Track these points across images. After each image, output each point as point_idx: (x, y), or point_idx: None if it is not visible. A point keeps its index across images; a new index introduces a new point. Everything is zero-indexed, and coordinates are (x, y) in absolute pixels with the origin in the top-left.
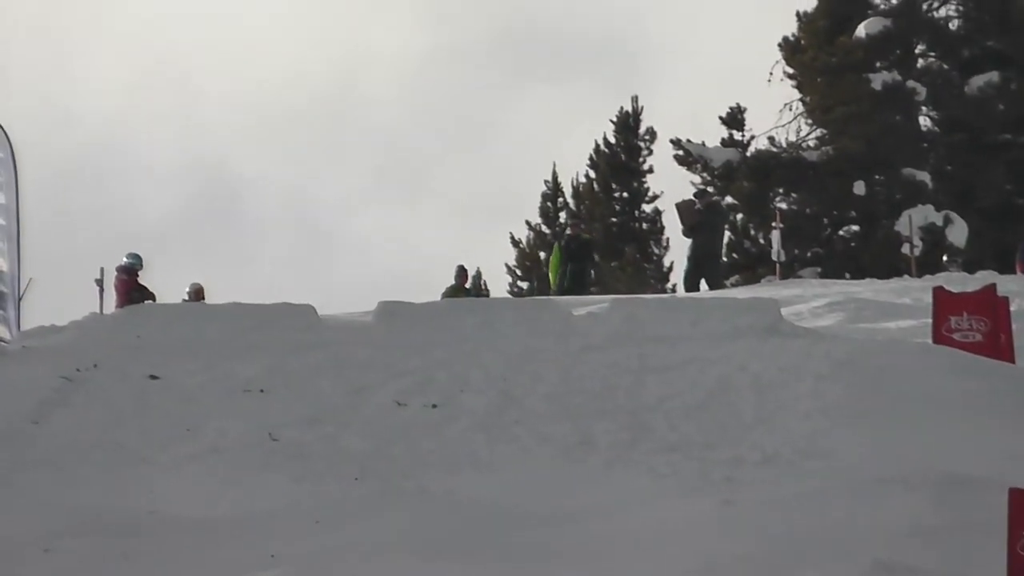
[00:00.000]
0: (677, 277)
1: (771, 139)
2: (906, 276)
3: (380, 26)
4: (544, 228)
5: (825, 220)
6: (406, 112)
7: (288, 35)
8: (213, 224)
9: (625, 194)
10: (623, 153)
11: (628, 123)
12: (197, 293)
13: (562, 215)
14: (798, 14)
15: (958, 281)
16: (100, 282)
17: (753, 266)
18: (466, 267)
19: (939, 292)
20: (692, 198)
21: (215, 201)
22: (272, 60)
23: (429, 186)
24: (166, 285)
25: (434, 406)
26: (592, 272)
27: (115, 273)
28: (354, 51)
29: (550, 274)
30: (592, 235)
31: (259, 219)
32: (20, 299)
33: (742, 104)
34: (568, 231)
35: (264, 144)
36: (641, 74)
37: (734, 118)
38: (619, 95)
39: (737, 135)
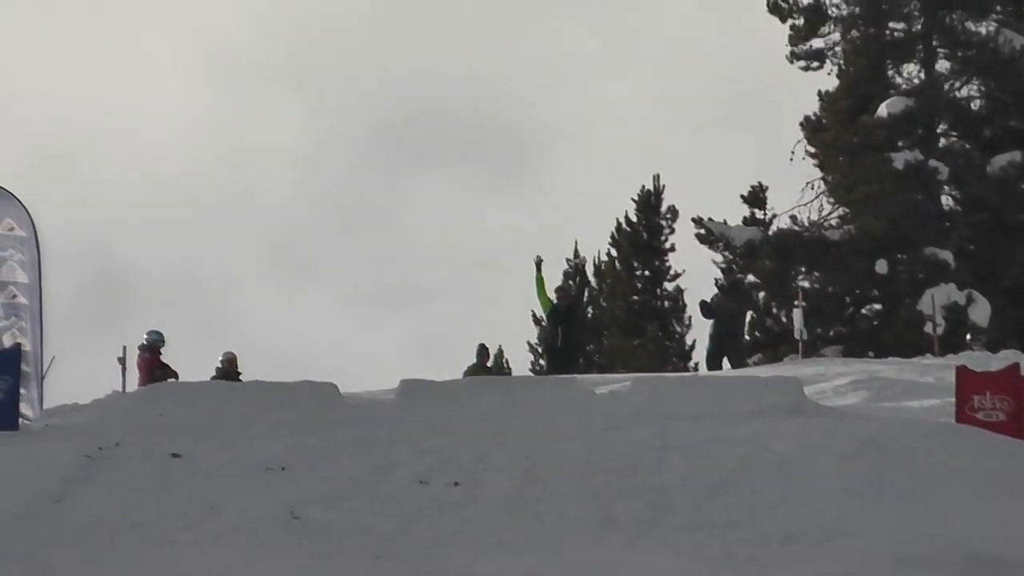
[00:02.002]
0: (699, 355)
1: (793, 218)
2: (929, 355)
3: (268, 114)
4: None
5: (847, 299)
6: (294, 199)
7: (177, 121)
8: (103, 310)
9: (647, 272)
10: (645, 232)
11: (650, 201)
12: (230, 362)
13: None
14: (820, 93)
15: (981, 360)
16: (123, 360)
17: (775, 344)
18: (487, 346)
19: (962, 371)
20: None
21: (104, 287)
22: (161, 147)
23: (317, 271)
24: (69, 374)
25: (456, 484)
26: (582, 335)
27: (137, 351)
28: (242, 140)
29: (539, 299)
30: (572, 300)
31: (147, 305)
32: (43, 377)
33: (764, 183)
34: (555, 299)
35: (153, 231)
36: (527, 157)
37: (756, 197)
38: (508, 178)
39: (759, 214)
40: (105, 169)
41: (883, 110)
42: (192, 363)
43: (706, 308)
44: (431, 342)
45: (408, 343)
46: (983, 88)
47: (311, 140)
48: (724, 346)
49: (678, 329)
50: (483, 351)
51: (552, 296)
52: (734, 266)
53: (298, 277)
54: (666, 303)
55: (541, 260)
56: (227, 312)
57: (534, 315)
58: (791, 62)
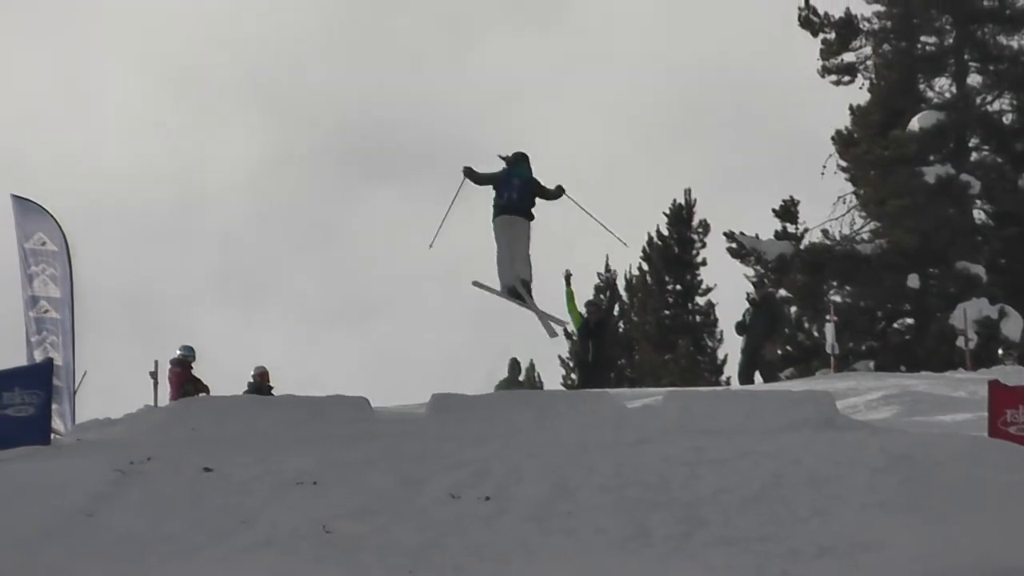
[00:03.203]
0: (731, 370)
1: (825, 232)
2: (961, 369)
3: (223, 130)
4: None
5: (879, 313)
6: (248, 216)
7: (131, 136)
8: None
9: (678, 286)
10: (676, 246)
11: (681, 216)
12: (262, 376)
13: (616, 307)
14: (851, 107)
15: (1013, 374)
16: (154, 375)
17: (807, 359)
18: (519, 360)
19: (995, 385)
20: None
21: None
22: (115, 162)
23: (270, 287)
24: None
25: (487, 498)
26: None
27: (169, 366)
28: (196, 156)
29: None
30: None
31: (99, 321)
32: (75, 392)
33: (795, 196)
34: (585, 313)
35: (105, 248)
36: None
37: (787, 211)
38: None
39: (791, 228)
40: (58, 183)
41: (915, 124)
42: (140, 377)
43: (740, 326)
44: (384, 358)
45: (361, 359)
46: (1015, 102)
47: (266, 156)
48: (756, 360)
49: (709, 344)
50: (515, 365)
51: (582, 310)
52: (766, 280)
53: (251, 292)
54: (697, 317)
55: (570, 274)
56: (178, 328)
57: (565, 330)
58: (822, 76)
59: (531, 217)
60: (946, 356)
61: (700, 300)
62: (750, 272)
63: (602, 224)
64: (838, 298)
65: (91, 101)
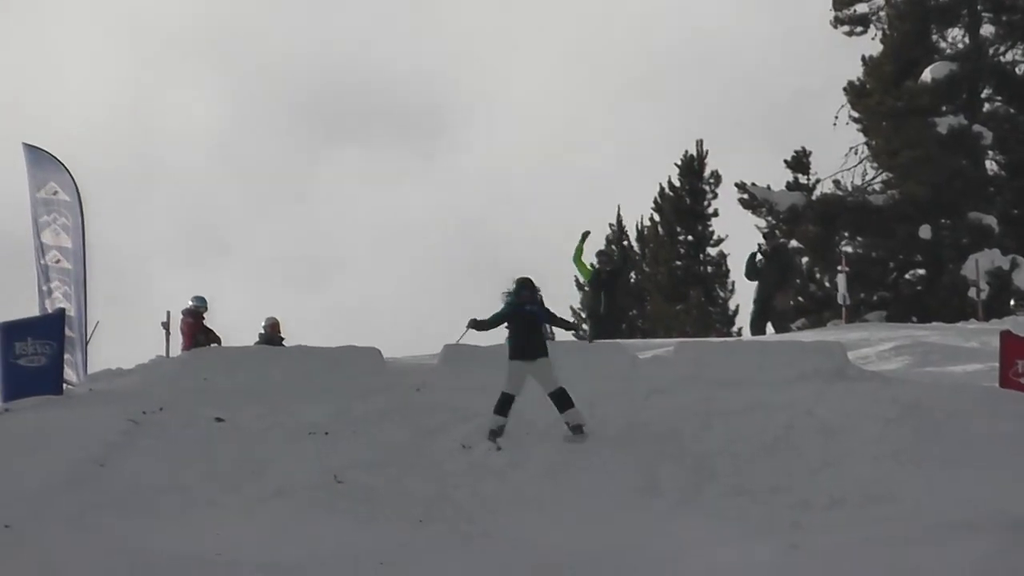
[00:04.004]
0: (742, 320)
1: (836, 183)
2: (973, 320)
3: (182, 90)
4: (608, 270)
5: (891, 264)
6: (207, 175)
7: (89, 96)
8: (10, 286)
9: (690, 237)
10: (688, 197)
11: (693, 167)
12: (273, 327)
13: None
14: (864, 58)
15: None
16: (166, 325)
17: (819, 310)
18: None
19: (1006, 336)
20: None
21: (11, 264)
22: (72, 122)
23: (231, 247)
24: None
25: (499, 449)
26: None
27: (181, 316)
28: (155, 116)
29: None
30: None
31: (30, 283)
32: (87, 342)
33: (807, 147)
34: (597, 265)
35: None
36: (447, 130)
37: (799, 161)
38: (424, 153)
39: (802, 178)
40: (13, 143)
41: (927, 75)
42: (106, 341)
43: (750, 269)
44: (347, 317)
45: (323, 318)
46: None
47: (226, 116)
48: (768, 311)
49: (721, 294)
50: None
51: (594, 261)
52: (777, 231)
53: (211, 252)
54: (709, 268)
55: (588, 233)
56: (139, 288)
57: (576, 280)
58: (835, 27)
59: (547, 352)
60: (958, 307)
61: (711, 251)
62: (761, 223)
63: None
64: (850, 249)
65: (47, 61)
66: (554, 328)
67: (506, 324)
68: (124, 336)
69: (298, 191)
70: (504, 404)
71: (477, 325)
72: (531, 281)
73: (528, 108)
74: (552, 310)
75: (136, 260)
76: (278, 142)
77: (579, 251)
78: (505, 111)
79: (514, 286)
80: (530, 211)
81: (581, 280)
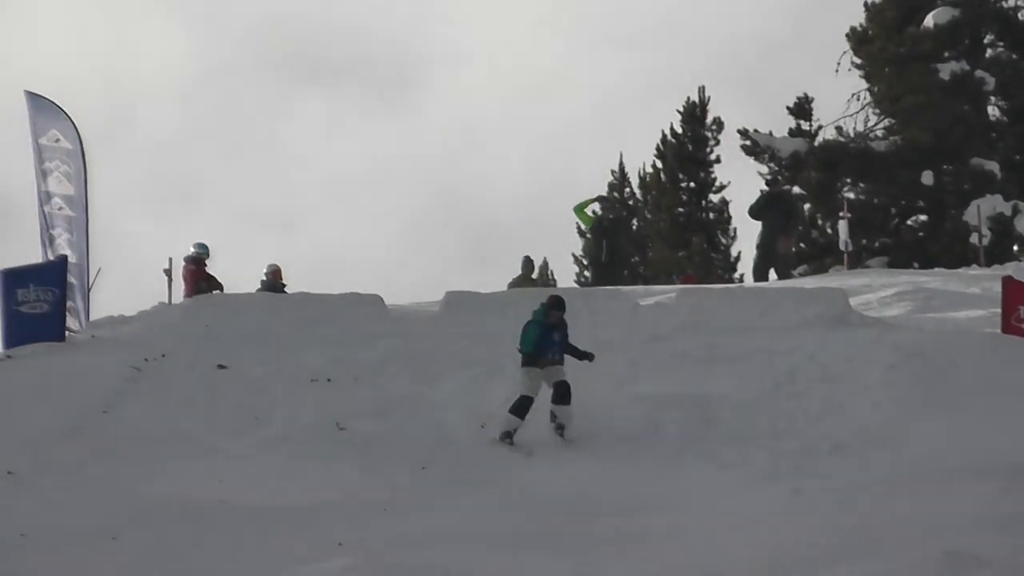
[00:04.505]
0: (744, 267)
1: (839, 129)
2: (974, 266)
3: (148, 40)
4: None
5: (893, 210)
6: (175, 122)
7: (56, 46)
8: (12, 235)
9: (692, 184)
10: (690, 143)
11: (695, 113)
12: (275, 274)
13: (629, 203)
14: (866, 4)
15: None
16: (168, 272)
17: (821, 256)
18: (532, 257)
19: (1008, 282)
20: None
21: (14, 212)
22: (40, 72)
23: (199, 196)
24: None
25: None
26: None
27: (183, 263)
28: (122, 66)
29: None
30: (623, 213)
31: (32, 230)
32: (89, 289)
33: (809, 94)
34: (599, 211)
35: (31, 158)
36: (411, 78)
37: (801, 108)
38: (389, 100)
39: (804, 125)
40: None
41: (929, 20)
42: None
43: (755, 208)
44: (317, 265)
45: (292, 265)
46: None
47: (193, 64)
48: (771, 257)
49: (723, 241)
50: (528, 263)
51: (596, 208)
52: (780, 177)
53: (180, 202)
54: (711, 215)
55: (602, 197)
56: (109, 237)
57: (578, 227)
58: None
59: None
60: (960, 253)
61: (714, 197)
62: (764, 169)
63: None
64: (852, 195)
65: (13, 10)
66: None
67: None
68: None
69: (265, 139)
70: (522, 406)
71: (532, 361)
72: (562, 301)
73: (503, 56)
74: (573, 343)
75: (104, 209)
76: (245, 91)
77: (583, 203)
78: (478, 58)
79: (544, 305)
80: (501, 158)
81: (583, 227)
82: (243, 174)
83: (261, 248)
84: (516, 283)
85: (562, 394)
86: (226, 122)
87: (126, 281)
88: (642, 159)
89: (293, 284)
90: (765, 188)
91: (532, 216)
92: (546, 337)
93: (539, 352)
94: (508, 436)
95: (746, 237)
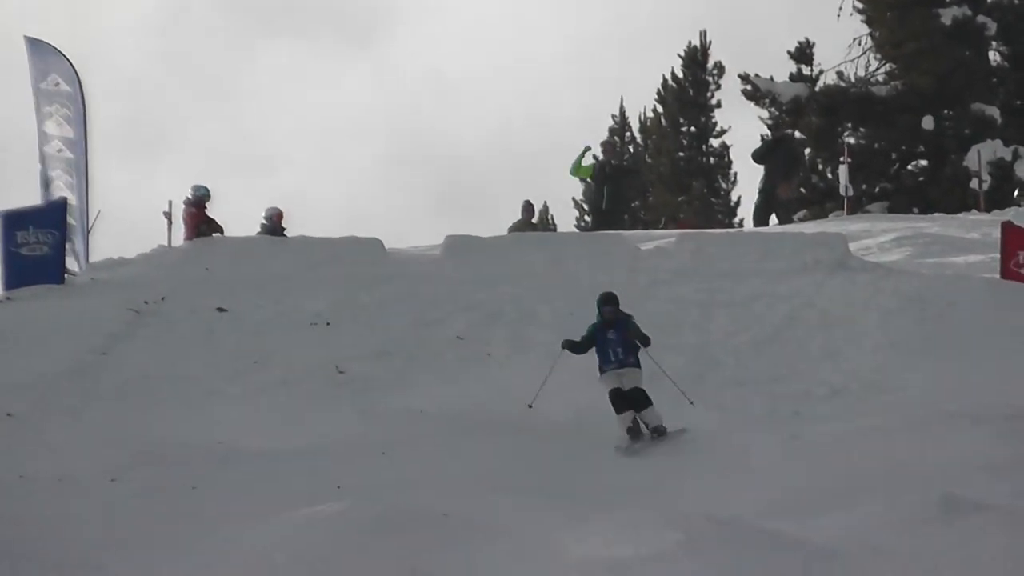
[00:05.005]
0: (744, 211)
1: (840, 74)
2: (974, 211)
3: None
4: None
5: (893, 155)
6: (145, 68)
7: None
8: (11, 179)
9: (692, 128)
10: (691, 88)
11: (696, 58)
12: (276, 217)
13: (630, 148)
14: None
15: None
16: (168, 215)
17: (821, 201)
18: (532, 202)
19: (1008, 227)
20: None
21: (13, 157)
22: (6, 19)
23: (169, 141)
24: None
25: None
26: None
27: (183, 206)
28: (91, 12)
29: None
30: (624, 160)
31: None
32: (89, 231)
33: (811, 39)
34: (602, 155)
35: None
36: (379, 26)
37: (803, 53)
38: (359, 46)
39: (806, 70)
40: None
41: None
42: None
43: (758, 153)
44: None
45: (262, 208)
46: None
47: (163, 10)
48: (772, 202)
49: (723, 185)
50: (528, 207)
51: (599, 154)
52: (781, 122)
53: (147, 146)
54: (712, 159)
55: (589, 148)
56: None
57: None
58: None
59: (639, 365)
60: (960, 198)
61: (714, 142)
62: (764, 114)
63: (672, 380)
64: (852, 140)
65: None
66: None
67: (596, 349)
68: None
69: (234, 85)
70: (618, 400)
71: (571, 345)
72: (613, 297)
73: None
74: (636, 327)
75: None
76: (213, 36)
77: (577, 163)
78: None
79: (600, 303)
80: (473, 104)
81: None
82: (212, 119)
83: (228, 192)
84: (516, 227)
85: (637, 400)
86: (194, 68)
87: (123, 227)
88: (643, 103)
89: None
90: (768, 134)
91: (503, 162)
92: (600, 335)
93: (603, 357)
94: (633, 433)
95: (746, 182)
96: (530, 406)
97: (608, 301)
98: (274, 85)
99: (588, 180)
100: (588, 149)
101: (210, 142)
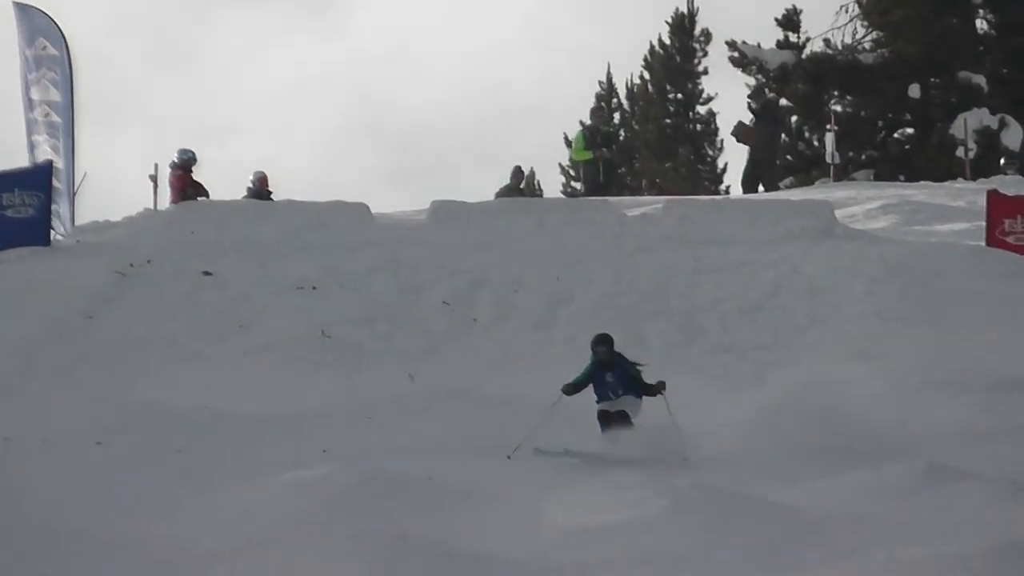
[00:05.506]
0: (730, 179)
1: (827, 41)
2: (960, 179)
3: None
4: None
5: (880, 123)
6: (102, 36)
7: None
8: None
9: (679, 95)
10: (678, 55)
11: (683, 25)
12: (262, 181)
13: (616, 116)
14: None
15: (1012, 185)
16: (154, 178)
17: (807, 168)
18: (522, 168)
19: (993, 195)
20: (744, 123)
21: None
22: None
23: (124, 107)
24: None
25: (475, 320)
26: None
27: (169, 169)
28: None
29: (575, 156)
30: (612, 128)
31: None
32: (74, 194)
33: (798, 6)
34: (591, 121)
35: None
36: None
37: (790, 20)
38: (319, 10)
39: (792, 37)
40: None
41: None
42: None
43: (740, 133)
44: (242, 174)
45: (218, 178)
46: None
47: None
48: (760, 169)
49: (710, 152)
50: (518, 172)
51: (596, 124)
52: (766, 90)
53: (105, 112)
54: (698, 126)
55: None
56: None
57: (566, 137)
58: None
59: (640, 396)
60: (946, 166)
61: (701, 109)
62: (751, 81)
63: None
64: (839, 108)
65: None
66: None
67: (593, 387)
68: None
69: (191, 51)
70: (605, 419)
71: (569, 390)
72: (607, 337)
73: None
74: (636, 374)
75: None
76: (172, 2)
77: (577, 143)
78: None
79: (593, 346)
80: (431, 69)
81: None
82: (169, 86)
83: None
84: (503, 193)
85: (621, 419)
86: (152, 34)
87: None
88: (630, 70)
89: (218, 194)
90: (751, 104)
91: (460, 129)
92: (598, 376)
93: (601, 401)
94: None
95: (733, 149)
96: (509, 457)
97: (601, 342)
98: (233, 53)
99: (590, 160)
100: (583, 128)
101: (167, 110)
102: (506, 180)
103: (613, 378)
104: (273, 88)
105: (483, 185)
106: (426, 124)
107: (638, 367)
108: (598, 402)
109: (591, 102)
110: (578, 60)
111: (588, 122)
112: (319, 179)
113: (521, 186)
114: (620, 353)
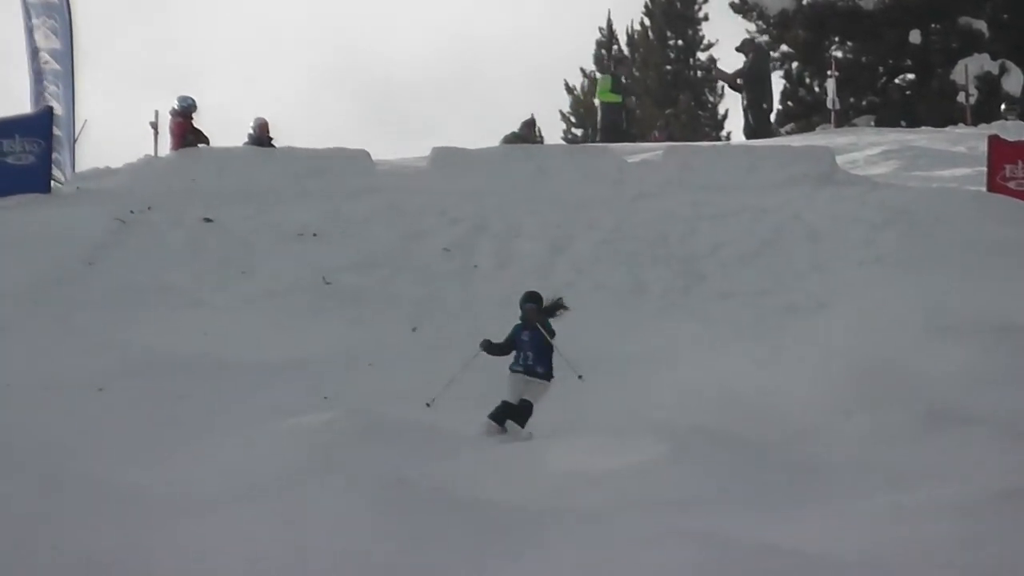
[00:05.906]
0: (730, 125)
1: None
2: (961, 125)
3: None
4: (598, 75)
5: (880, 69)
6: None
7: None
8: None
9: (680, 42)
10: (678, 1)
11: None
12: (262, 128)
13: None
14: None
15: (1013, 130)
16: (155, 125)
17: (808, 114)
18: (535, 119)
19: (994, 141)
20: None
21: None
22: None
23: (92, 55)
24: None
25: (476, 266)
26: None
27: (169, 116)
28: None
29: (600, 97)
30: (629, 79)
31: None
32: (75, 141)
33: None
34: (614, 70)
35: None
36: None
37: None
38: None
39: None
40: None
41: None
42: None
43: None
44: (212, 124)
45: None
46: None
47: None
48: (761, 115)
49: (710, 99)
50: (530, 123)
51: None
52: (766, 36)
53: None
54: (699, 73)
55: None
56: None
57: (566, 83)
58: None
59: (549, 377)
60: (946, 112)
61: (702, 56)
62: (752, 28)
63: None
64: (839, 54)
65: None
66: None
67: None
68: None
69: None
70: (502, 412)
71: (491, 349)
72: (535, 295)
73: None
74: (547, 343)
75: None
76: None
77: (604, 89)
78: None
79: (522, 303)
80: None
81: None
82: (136, 35)
83: (147, 105)
84: (509, 139)
85: (518, 412)
86: None
87: None
88: (630, 16)
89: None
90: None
91: (432, 78)
92: (517, 334)
93: (516, 357)
94: (491, 427)
95: (733, 96)
96: (428, 405)
97: (529, 299)
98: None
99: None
100: (611, 70)
101: (129, 54)
102: (505, 131)
103: (528, 337)
104: (242, 34)
105: (481, 135)
106: (421, 71)
107: (552, 336)
108: (511, 364)
109: (591, 49)
110: (578, 6)
111: (589, 69)
112: (285, 128)
113: (532, 137)
114: (545, 317)
